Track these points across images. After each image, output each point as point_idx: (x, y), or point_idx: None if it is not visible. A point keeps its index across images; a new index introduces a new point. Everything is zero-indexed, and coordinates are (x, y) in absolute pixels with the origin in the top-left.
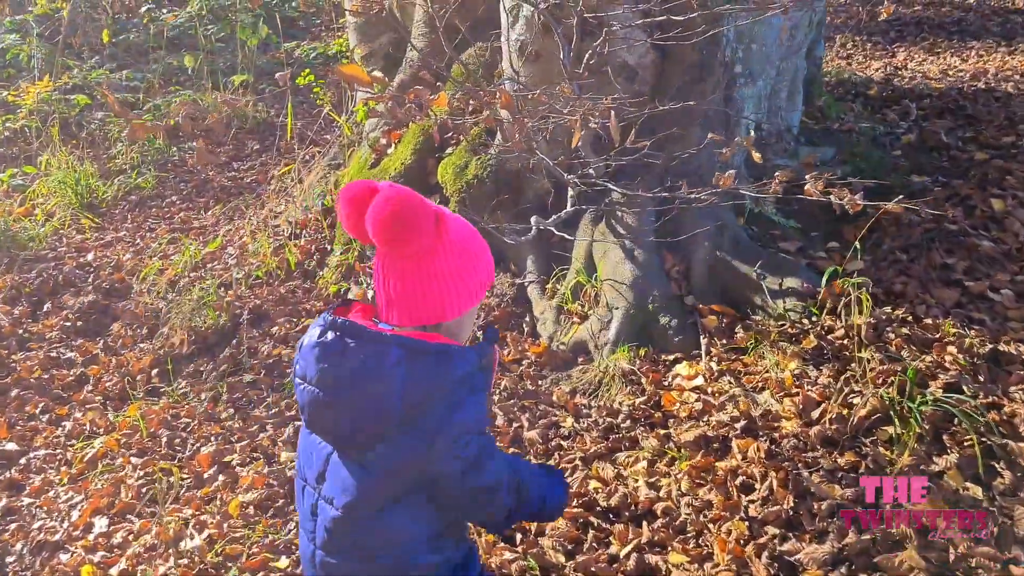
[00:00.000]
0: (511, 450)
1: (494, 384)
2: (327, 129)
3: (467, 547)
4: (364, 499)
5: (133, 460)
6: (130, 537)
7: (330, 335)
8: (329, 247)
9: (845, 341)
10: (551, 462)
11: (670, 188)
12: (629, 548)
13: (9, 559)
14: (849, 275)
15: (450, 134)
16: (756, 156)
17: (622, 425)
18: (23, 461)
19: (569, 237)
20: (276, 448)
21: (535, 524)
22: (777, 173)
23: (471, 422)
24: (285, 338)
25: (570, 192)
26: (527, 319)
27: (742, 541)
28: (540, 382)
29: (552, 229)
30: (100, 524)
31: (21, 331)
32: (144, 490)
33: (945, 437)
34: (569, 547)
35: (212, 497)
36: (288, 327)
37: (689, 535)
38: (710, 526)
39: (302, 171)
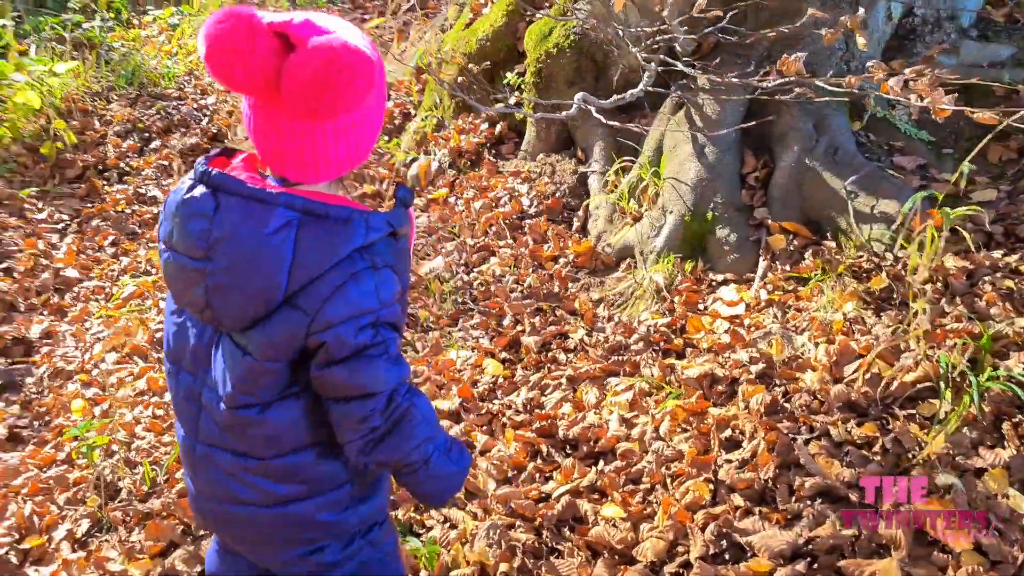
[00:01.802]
0: (502, 355)
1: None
2: None
3: (380, 506)
4: (245, 388)
5: (161, 304)
6: (128, 379)
7: (200, 190)
8: (414, 112)
9: (928, 287)
10: (539, 375)
11: (767, 75)
12: (566, 488)
13: (29, 379)
14: (968, 204)
15: None
16: (861, 42)
17: (632, 347)
18: (77, 289)
19: (636, 129)
20: None
21: (477, 444)
22: (904, 67)
23: (372, 303)
24: None
25: (645, 72)
26: (580, 213)
27: (695, 507)
28: (570, 285)
29: (607, 118)
30: (108, 361)
31: (123, 164)
32: (158, 335)
33: (1006, 426)
34: (508, 474)
35: None
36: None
37: (641, 487)
38: (669, 481)
39: (408, 30)
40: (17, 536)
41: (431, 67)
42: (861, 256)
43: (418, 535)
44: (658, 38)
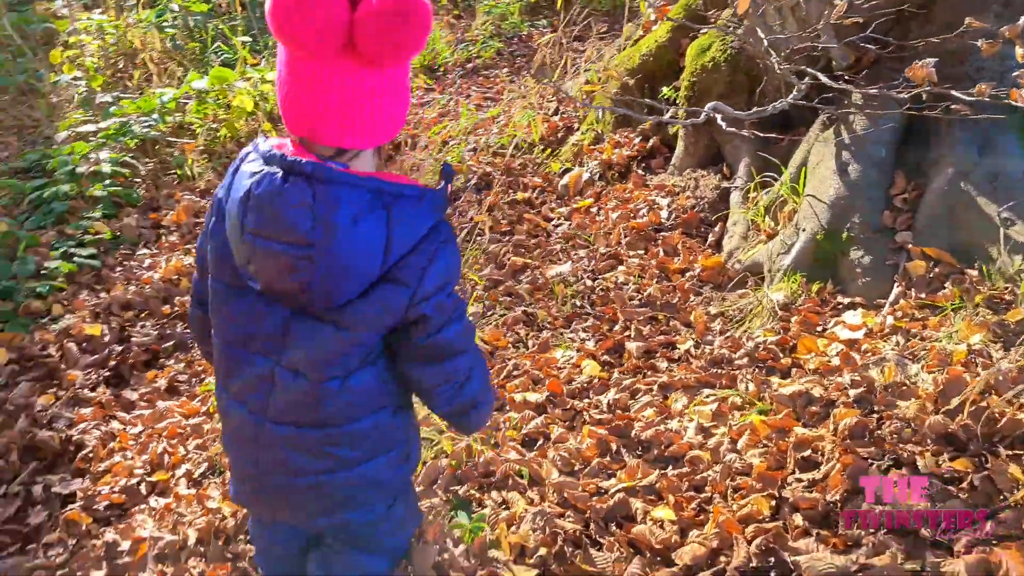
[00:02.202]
0: (603, 357)
1: None
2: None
3: (415, 465)
4: (334, 362)
5: None
6: None
7: (293, 180)
8: (579, 126)
9: None
10: (633, 379)
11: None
12: (623, 486)
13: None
14: None
15: (712, 11)
16: (1020, 53)
17: (736, 361)
18: None
19: (784, 146)
20: None
21: (552, 435)
22: None
23: (453, 274)
24: (492, 207)
25: (796, 86)
26: (715, 228)
27: (749, 520)
28: (691, 298)
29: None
30: None
31: None
32: None
33: None
34: (574, 467)
35: None
36: (500, 196)
37: (700, 495)
38: (731, 492)
39: (589, 48)
40: (149, 470)
41: (597, 82)
42: (1007, 288)
43: (471, 513)
44: (813, 53)
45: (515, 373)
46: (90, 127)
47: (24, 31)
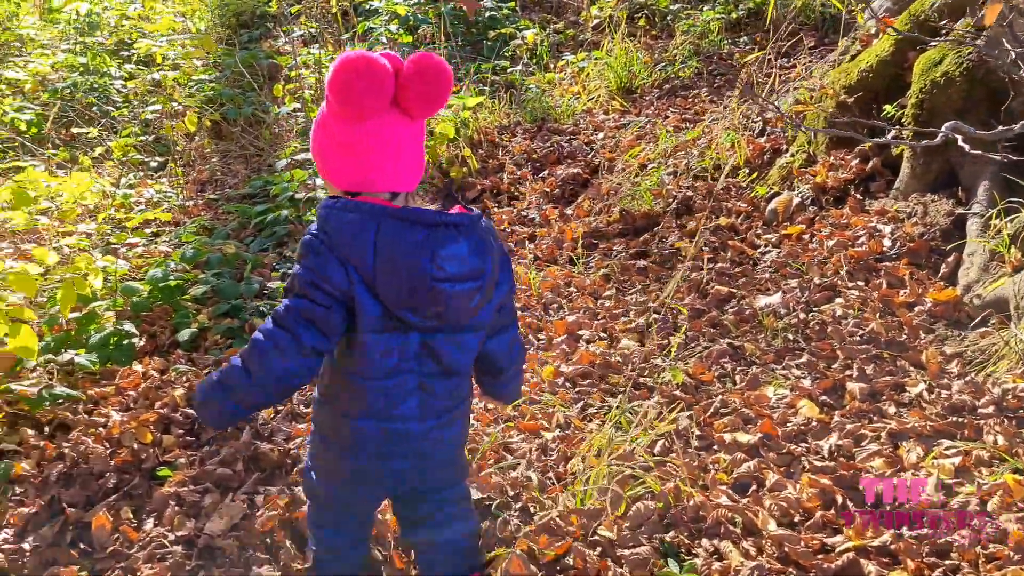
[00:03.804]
0: (821, 398)
1: None
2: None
3: None
4: (468, 358)
5: None
6: None
7: (460, 241)
8: (787, 148)
9: None
10: (857, 424)
11: None
12: (852, 545)
13: None
14: None
15: (944, 21)
16: None
17: (980, 409)
18: None
19: None
20: (623, 334)
21: (767, 481)
22: None
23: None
24: (693, 233)
25: None
26: (949, 259)
27: None
28: (921, 335)
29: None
30: None
31: (513, 189)
32: None
33: None
34: (793, 518)
35: (546, 361)
36: (703, 222)
37: (945, 562)
38: (982, 562)
39: (799, 65)
40: None
41: (808, 100)
42: None
43: (681, 561)
44: None
45: (723, 411)
46: (307, 155)
47: (252, 67)
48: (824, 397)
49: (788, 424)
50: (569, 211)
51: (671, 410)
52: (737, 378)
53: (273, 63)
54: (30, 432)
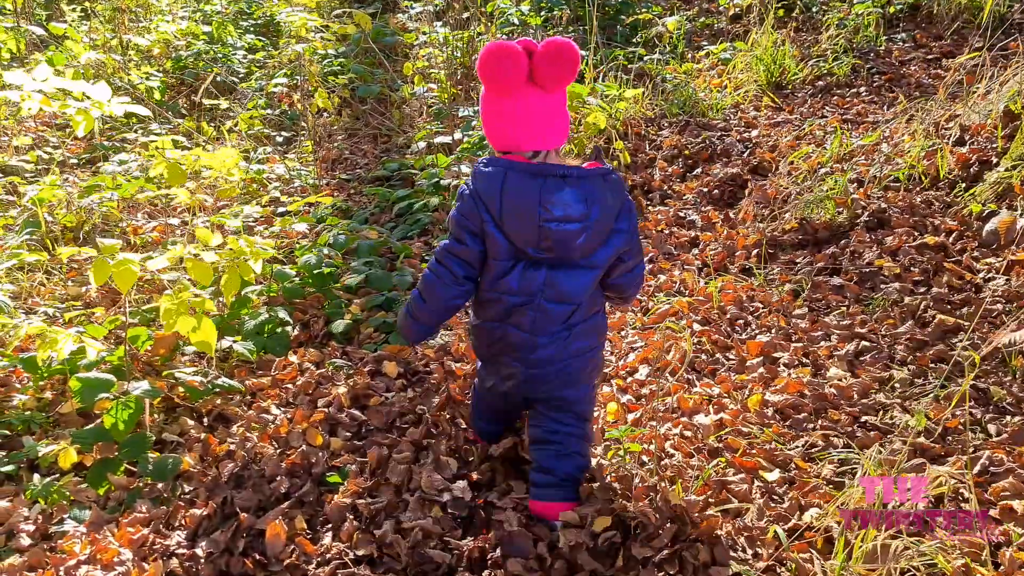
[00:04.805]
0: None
1: None
2: None
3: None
4: (585, 290)
5: (695, 326)
6: (657, 391)
7: (568, 187)
8: (996, 160)
9: None
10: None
11: None
12: None
13: None
14: None
15: None
16: None
17: None
18: None
19: None
20: (829, 361)
21: None
22: None
23: (636, 221)
24: (896, 250)
25: None
26: None
27: None
28: None
29: None
30: (642, 372)
31: (666, 187)
32: (691, 355)
33: None
34: None
35: (743, 385)
36: (905, 239)
37: None
38: None
39: (996, 68)
40: None
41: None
42: None
43: None
44: None
45: (993, 469)
46: (446, 139)
47: (380, 44)
48: None
49: None
50: (732, 215)
51: (922, 463)
52: (991, 428)
53: (399, 39)
54: (190, 422)
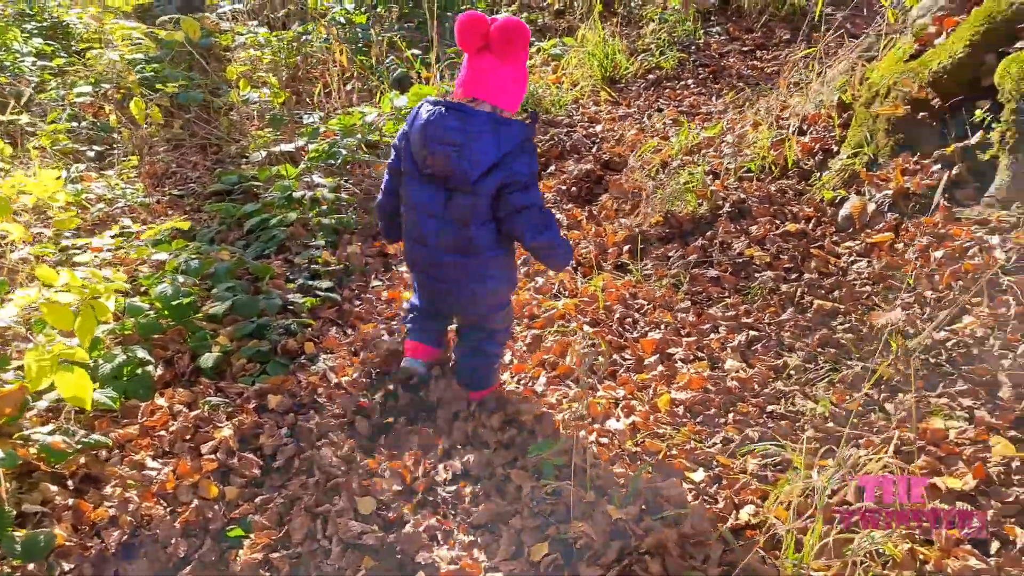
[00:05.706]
0: (1009, 433)
1: None
2: (870, 19)
3: (516, 276)
4: (470, 218)
5: (585, 327)
6: (564, 401)
7: (452, 114)
8: (836, 148)
9: None
10: None
11: None
12: None
13: None
14: None
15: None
16: None
17: None
18: None
19: None
20: (723, 353)
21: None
22: None
23: (530, 164)
24: (762, 239)
25: None
26: None
27: None
28: None
29: None
30: (541, 381)
31: None
32: (587, 360)
33: None
34: None
35: (646, 385)
36: (768, 228)
37: None
38: None
39: (826, 62)
40: None
41: (853, 99)
42: None
43: None
44: None
45: (905, 448)
46: (288, 147)
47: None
48: (1013, 431)
49: (988, 463)
50: (595, 212)
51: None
52: (888, 407)
53: (213, 40)
54: (53, 488)
